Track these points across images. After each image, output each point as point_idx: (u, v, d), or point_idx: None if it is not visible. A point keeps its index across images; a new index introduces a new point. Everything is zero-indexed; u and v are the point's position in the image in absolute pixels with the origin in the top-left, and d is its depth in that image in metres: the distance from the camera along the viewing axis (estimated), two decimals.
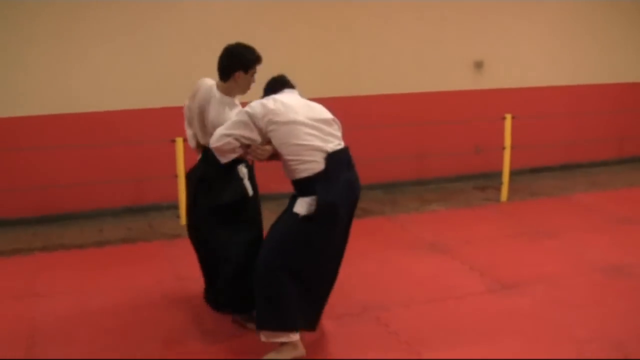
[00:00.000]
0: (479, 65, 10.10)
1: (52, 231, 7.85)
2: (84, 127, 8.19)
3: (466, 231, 7.74)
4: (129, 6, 8.17)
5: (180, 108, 8.23)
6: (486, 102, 10.12)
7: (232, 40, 5.11)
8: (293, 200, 4.70)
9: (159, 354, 4.85)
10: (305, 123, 4.55)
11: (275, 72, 4.98)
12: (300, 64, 8.69)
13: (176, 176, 7.77)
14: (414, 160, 10.00)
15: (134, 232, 7.85)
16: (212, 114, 4.93)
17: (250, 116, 4.55)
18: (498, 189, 9.21)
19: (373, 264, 6.61)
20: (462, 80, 10.09)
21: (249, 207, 5.07)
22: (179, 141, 7.60)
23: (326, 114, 4.79)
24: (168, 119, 8.31)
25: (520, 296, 5.84)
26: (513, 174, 9.23)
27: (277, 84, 4.91)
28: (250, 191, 5.02)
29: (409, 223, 8.06)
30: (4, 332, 5.19)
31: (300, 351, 4.70)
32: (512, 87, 10.37)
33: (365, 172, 9.49)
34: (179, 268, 6.48)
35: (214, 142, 4.64)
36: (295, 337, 4.64)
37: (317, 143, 4.54)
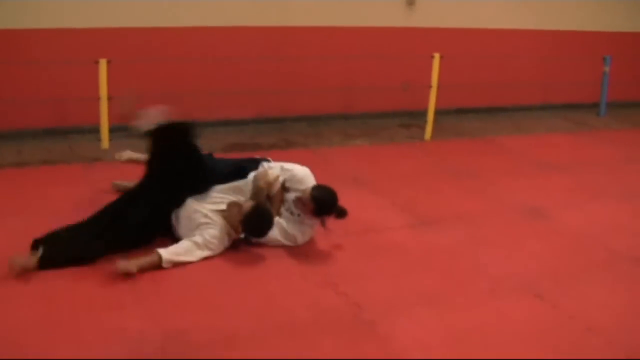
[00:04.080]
0: (410, 2, 10.00)
1: None
2: (4, 44, 7.84)
3: (389, 167, 7.74)
4: None
5: (107, 30, 8.07)
6: (416, 40, 10.05)
7: None
8: None
9: (71, 278, 4.75)
10: None
11: None
12: None
13: (98, 99, 7.52)
14: (340, 94, 9.92)
15: (54, 154, 7.58)
16: None
17: None
18: (423, 128, 9.21)
19: None
20: (393, 17, 9.99)
21: None
22: (102, 63, 7.35)
23: None
24: (92, 40, 8.08)
25: (438, 233, 5.89)
26: (438, 113, 9.22)
27: None
28: None
29: (332, 156, 8.01)
30: None
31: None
32: (443, 26, 10.32)
33: (291, 104, 9.57)
34: (98, 191, 6.23)
35: None
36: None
37: None
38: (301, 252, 5.33)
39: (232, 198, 5.35)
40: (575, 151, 9.10)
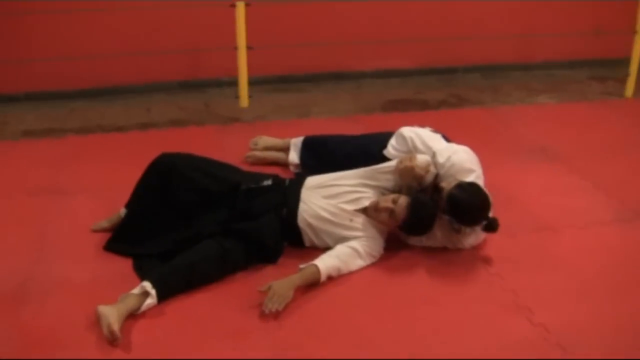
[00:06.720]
0: None
1: (91, 108, 6.73)
2: None
3: (584, 134, 6.29)
4: None
5: None
6: None
7: None
8: None
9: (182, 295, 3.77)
10: None
11: None
12: None
13: (235, 48, 6.56)
14: (519, 40, 8.49)
15: (187, 112, 6.69)
16: None
17: None
18: (622, 82, 7.63)
19: None
20: None
21: None
22: (240, 6, 6.34)
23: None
24: None
25: None
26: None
27: None
28: None
29: (512, 118, 6.65)
30: (17, 228, 4.36)
31: None
32: None
33: (462, 52, 8.29)
34: (230, 158, 5.01)
35: None
36: None
37: None
38: (478, 257, 4.13)
39: (368, 191, 4.14)
40: None
